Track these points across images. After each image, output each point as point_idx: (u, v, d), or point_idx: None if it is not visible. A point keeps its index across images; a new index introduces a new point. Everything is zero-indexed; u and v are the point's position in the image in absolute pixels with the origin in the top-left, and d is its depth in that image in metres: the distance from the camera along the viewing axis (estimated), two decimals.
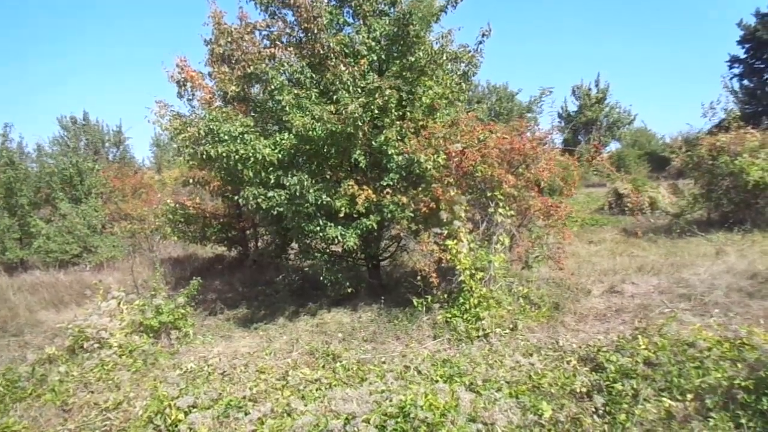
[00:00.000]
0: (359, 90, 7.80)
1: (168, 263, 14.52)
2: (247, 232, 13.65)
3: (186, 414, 4.76)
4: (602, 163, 10.34)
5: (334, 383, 5.66)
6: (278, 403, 5.04)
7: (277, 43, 8.97)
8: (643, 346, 5.12)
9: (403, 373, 5.84)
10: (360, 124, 7.53)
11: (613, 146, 41.01)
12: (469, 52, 9.52)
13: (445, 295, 7.99)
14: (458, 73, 9.57)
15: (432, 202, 8.11)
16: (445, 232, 7.96)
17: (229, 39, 9.11)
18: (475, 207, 8.35)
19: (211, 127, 8.23)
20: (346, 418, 4.33)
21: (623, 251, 11.87)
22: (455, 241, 7.77)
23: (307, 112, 7.91)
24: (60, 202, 15.97)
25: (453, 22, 12.34)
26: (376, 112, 7.91)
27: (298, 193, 7.69)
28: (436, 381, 5.39)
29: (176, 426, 4.64)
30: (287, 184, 7.71)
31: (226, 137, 8.12)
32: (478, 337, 6.92)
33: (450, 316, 7.50)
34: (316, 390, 5.50)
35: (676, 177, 20.68)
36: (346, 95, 7.76)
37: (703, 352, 4.87)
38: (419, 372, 5.78)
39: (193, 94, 11.95)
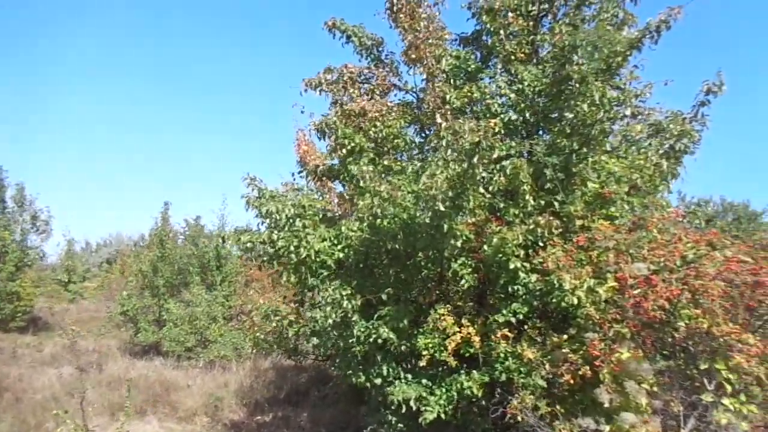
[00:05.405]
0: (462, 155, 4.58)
1: (271, 375, 12.06)
2: None
3: None
4: None
5: None
6: None
7: (375, 96, 6.31)
8: None
9: None
10: (442, 209, 4.22)
11: None
12: (684, 119, 5.85)
13: None
14: (659, 150, 5.84)
15: (584, 365, 4.35)
16: (606, 429, 4.12)
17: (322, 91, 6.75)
18: (670, 387, 4.35)
19: (260, 208, 5.72)
20: None
21: None
22: None
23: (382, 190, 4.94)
24: (194, 286, 14.84)
25: (654, 74, 8.05)
26: (489, 196, 4.61)
27: (332, 321, 4.55)
28: None
29: None
30: (322, 302, 4.65)
31: (276, 222, 5.54)
32: None
33: None
34: None
35: None
36: (437, 161, 4.60)
37: None
38: None
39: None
